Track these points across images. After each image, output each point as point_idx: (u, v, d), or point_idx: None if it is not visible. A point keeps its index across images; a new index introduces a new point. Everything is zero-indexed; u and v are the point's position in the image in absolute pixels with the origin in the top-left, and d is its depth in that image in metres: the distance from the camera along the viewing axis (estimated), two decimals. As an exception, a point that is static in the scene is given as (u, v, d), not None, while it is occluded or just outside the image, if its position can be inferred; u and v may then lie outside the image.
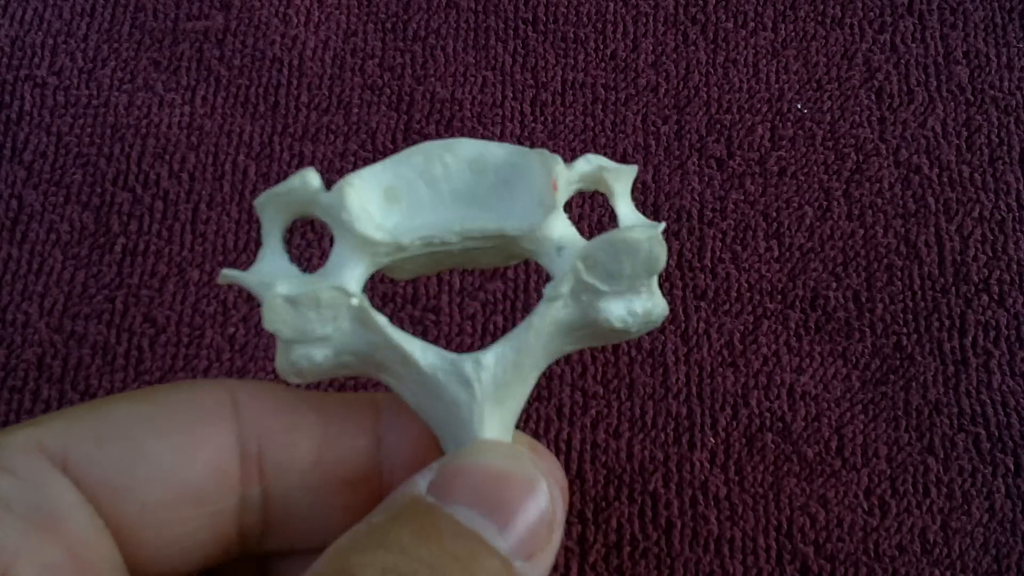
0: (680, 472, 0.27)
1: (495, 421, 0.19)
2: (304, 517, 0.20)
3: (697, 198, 0.30)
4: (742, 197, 0.30)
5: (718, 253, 0.30)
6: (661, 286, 0.29)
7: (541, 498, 0.18)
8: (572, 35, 0.33)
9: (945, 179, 0.31)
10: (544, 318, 0.19)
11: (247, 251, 0.30)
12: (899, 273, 0.29)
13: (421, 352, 0.18)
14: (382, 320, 0.18)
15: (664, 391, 0.28)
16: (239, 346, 0.29)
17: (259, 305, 0.19)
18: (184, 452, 0.19)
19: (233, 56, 0.33)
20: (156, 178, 0.31)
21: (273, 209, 0.19)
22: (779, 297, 0.29)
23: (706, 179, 0.31)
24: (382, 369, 0.19)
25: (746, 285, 0.29)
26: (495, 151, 0.19)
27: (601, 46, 0.33)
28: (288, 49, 0.33)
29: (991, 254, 0.29)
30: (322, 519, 0.20)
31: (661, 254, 0.19)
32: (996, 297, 0.29)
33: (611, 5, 0.33)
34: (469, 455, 0.18)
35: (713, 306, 0.29)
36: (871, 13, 0.33)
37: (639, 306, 0.19)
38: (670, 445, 0.27)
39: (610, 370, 0.28)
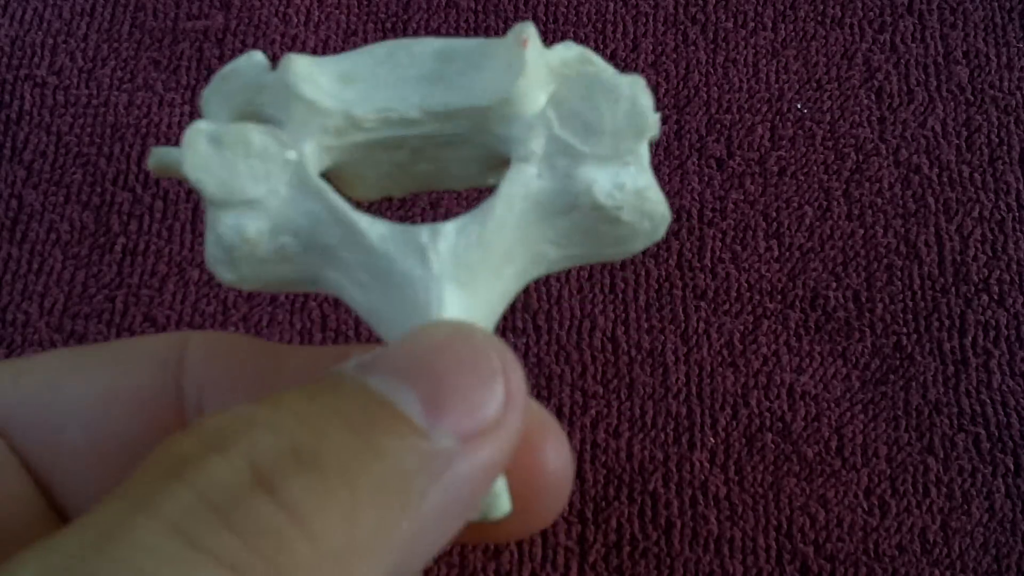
0: (680, 472, 0.27)
1: (457, 306, 0.15)
2: None
3: (697, 198, 0.30)
4: (742, 197, 0.30)
5: (718, 253, 0.30)
6: (661, 285, 0.29)
7: (485, 372, 0.14)
8: (572, 35, 0.33)
9: (945, 179, 0.31)
10: (514, 184, 0.16)
11: (247, 251, 0.30)
12: (899, 273, 0.29)
13: (368, 222, 0.15)
14: (323, 184, 0.16)
15: (664, 391, 0.28)
16: (239, 346, 0.29)
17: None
18: (109, 393, 0.17)
19: (233, 55, 0.33)
20: (156, 178, 0.31)
21: (218, 102, 0.17)
22: (779, 297, 0.29)
23: (706, 179, 0.31)
24: (328, 260, 0.16)
25: (746, 285, 0.29)
26: (466, 41, 0.17)
27: (601, 46, 0.33)
28: (288, 48, 0.33)
29: (991, 254, 0.29)
30: None
31: (647, 105, 0.16)
32: (996, 297, 0.29)
33: (611, 5, 0.33)
34: (411, 332, 0.15)
35: (713, 306, 0.29)
36: (871, 13, 0.33)
37: (628, 179, 0.16)
38: (670, 445, 0.27)
39: (610, 370, 0.28)
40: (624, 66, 0.32)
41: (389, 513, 0.13)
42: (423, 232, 0.15)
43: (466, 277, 0.15)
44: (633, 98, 0.16)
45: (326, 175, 0.16)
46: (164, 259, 0.30)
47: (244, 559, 0.11)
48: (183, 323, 0.29)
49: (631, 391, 0.28)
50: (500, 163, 0.17)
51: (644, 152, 0.16)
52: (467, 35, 0.33)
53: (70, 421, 0.17)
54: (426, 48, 0.17)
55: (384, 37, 0.33)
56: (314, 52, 0.33)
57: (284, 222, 0.16)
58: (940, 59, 0.32)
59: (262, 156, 0.15)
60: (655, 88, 0.32)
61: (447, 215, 0.29)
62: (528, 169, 0.16)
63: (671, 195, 0.30)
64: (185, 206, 0.30)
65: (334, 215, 0.15)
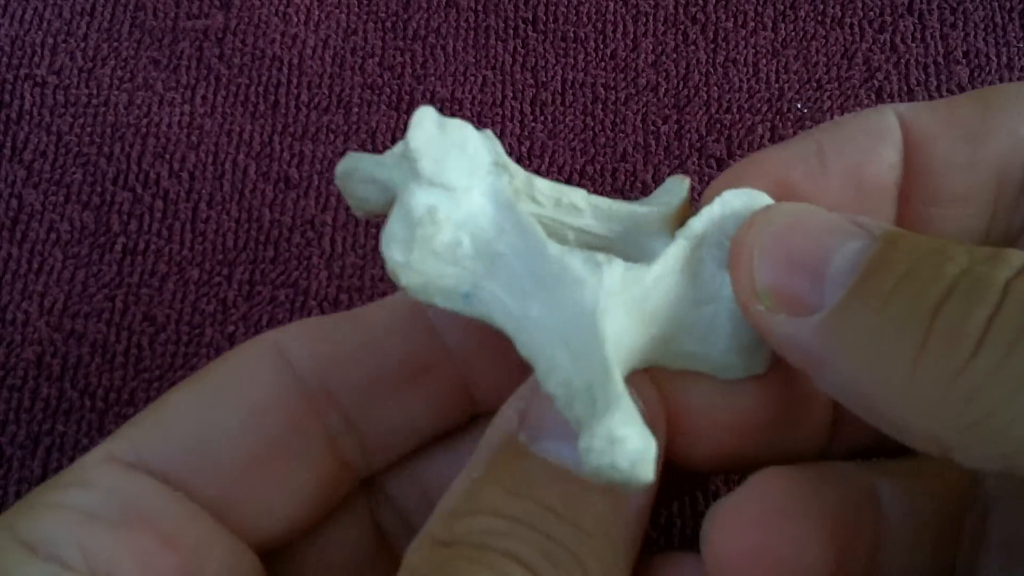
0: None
1: (615, 324, 0.16)
2: (390, 417, 0.20)
3: (697, 198, 0.30)
4: (742, 197, 0.30)
5: (718, 253, 0.30)
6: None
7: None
8: (572, 35, 0.33)
9: (945, 179, 0.31)
10: (670, 257, 0.17)
11: (247, 250, 0.30)
12: (899, 273, 0.29)
13: (547, 238, 0.17)
14: (513, 198, 0.17)
15: (664, 390, 0.28)
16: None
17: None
18: (249, 414, 0.19)
19: (233, 55, 0.33)
20: (156, 177, 0.31)
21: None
22: (779, 297, 0.29)
23: (706, 179, 0.31)
24: (493, 269, 0.17)
25: (746, 285, 0.29)
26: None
27: (601, 46, 0.33)
28: (288, 48, 0.33)
29: (991, 254, 0.29)
30: (408, 414, 0.20)
31: None
32: (996, 297, 0.29)
33: (611, 5, 0.33)
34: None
35: (713, 306, 0.29)
36: (871, 13, 0.33)
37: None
38: (670, 444, 0.27)
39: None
40: (624, 66, 0.32)
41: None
42: (599, 255, 0.17)
43: (627, 307, 0.17)
44: None
45: None
46: (164, 259, 0.30)
47: None
48: (182, 322, 0.29)
49: (631, 391, 0.28)
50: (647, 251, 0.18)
51: None
52: (467, 34, 0.33)
53: (229, 453, 0.19)
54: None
55: (384, 37, 0.33)
56: (314, 51, 0.33)
57: (469, 220, 0.17)
58: (940, 59, 0.32)
59: (473, 157, 0.17)
60: (655, 88, 0.32)
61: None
62: (687, 246, 0.17)
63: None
64: (185, 205, 0.31)
65: (519, 225, 0.17)
